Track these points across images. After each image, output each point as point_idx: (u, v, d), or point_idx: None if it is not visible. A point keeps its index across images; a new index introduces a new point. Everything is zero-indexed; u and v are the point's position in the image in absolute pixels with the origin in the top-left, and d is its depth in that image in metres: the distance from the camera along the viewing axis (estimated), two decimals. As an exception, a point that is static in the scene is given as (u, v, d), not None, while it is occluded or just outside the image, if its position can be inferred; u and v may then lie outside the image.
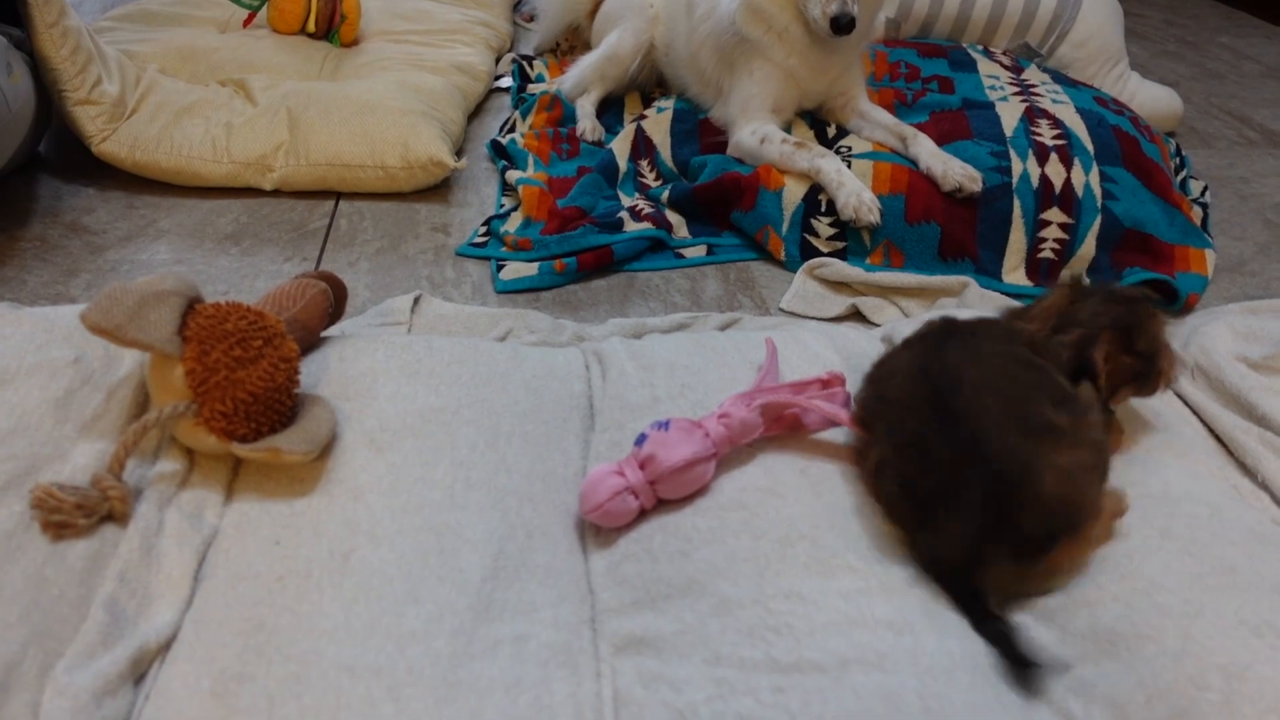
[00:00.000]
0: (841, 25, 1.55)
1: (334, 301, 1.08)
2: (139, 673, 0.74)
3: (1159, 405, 1.08)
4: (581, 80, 1.98)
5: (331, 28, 2.19)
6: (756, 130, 1.67)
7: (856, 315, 1.44)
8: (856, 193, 1.52)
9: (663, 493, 0.89)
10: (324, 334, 1.11)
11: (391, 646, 0.73)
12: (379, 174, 1.69)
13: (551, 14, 2.34)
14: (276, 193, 1.69)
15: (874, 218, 1.51)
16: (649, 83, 2.08)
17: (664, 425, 0.90)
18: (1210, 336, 1.16)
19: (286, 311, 1.00)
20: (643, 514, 0.89)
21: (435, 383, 1.01)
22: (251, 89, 1.82)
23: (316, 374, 1.00)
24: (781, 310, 1.46)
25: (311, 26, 2.15)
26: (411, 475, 0.89)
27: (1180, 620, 0.77)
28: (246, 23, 2.17)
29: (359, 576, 0.79)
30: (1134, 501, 0.91)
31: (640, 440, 0.90)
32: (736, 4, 1.66)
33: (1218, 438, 1.06)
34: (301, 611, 0.75)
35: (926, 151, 1.58)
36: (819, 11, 1.57)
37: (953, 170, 1.53)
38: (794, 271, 1.53)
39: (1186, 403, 1.11)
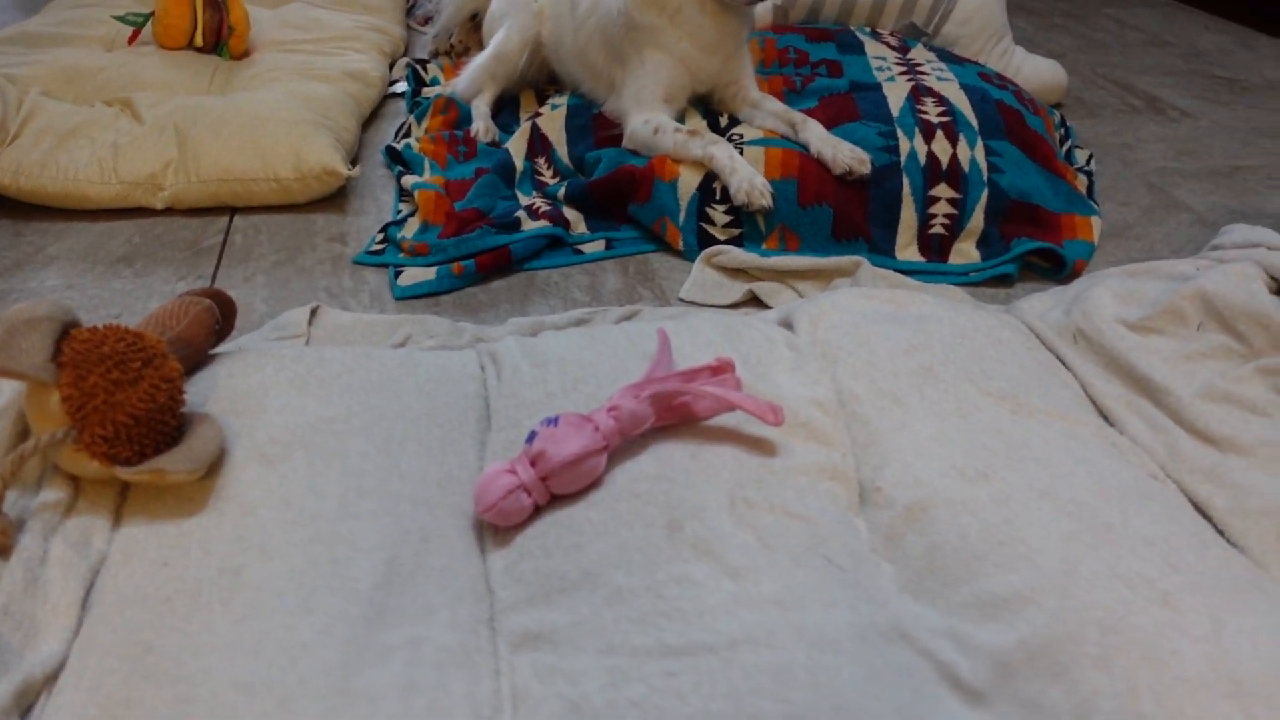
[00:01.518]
0: None
1: (220, 318, 1.07)
2: (25, 706, 0.72)
3: (1043, 371, 1.11)
4: (473, 82, 1.98)
5: (220, 40, 2.14)
6: (650, 120, 1.68)
7: (755, 301, 1.47)
8: (749, 178, 1.54)
9: (555, 488, 0.89)
10: (215, 351, 1.09)
11: (283, 660, 0.73)
12: (272, 186, 1.67)
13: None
14: (169, 211, 1.66)
15: (766, 201, 1.53)
16: (541, 80, 2.08)
17: (553, 421, 0.90)
18: (1092, 301, 1.20)
19: (169, 331, 0.98)
20: (539, 510, 0.90)
21: (326, 393, 1.00)
22: (138, 107, 1.78)
23: (204, 392, 0.99)
24: (681, 300, 1.47)
25: (199, 40, 2.10)
26: (302, 487, 0.88)
27: (1058, 580, 0.80)
28: (131, 40, 2.11)
29: (249, 592, 0.78)
30: (1017, 465, 0.94)
31: (531, 437, 0.90)
32: None
33: (1097, 398, 1.10)
34: (190, 631, 0.75)
35: (816, 136, 1.61)
36: None
37: (842, 153, 1.56)
38: (692, 261, 1.54)
39: (1067, 366, 1.15)
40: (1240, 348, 1.11)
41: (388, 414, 0.99)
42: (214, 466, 0.89)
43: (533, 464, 0.89)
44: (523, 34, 1.94)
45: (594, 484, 0.91)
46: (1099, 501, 0.89)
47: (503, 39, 1.95)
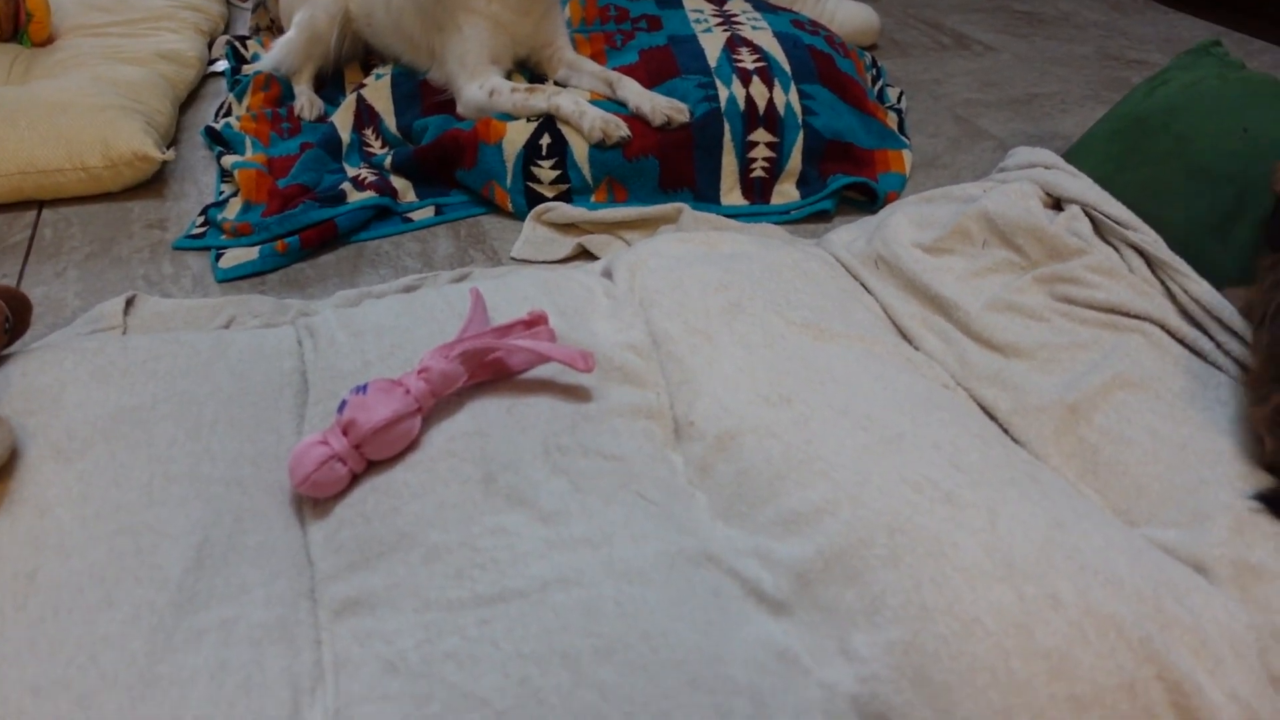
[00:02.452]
0: None
1: (10, 316, 1.02)
2: None
3: (846, 298, 1.16)
4: (288, 63, 1.91)
5: (18, 28, 2.03)
6: (484, 84, 1.67)
7: (587, 254, 1.48)
8: (599, 115, 1.57)
9: (370, 454, 0.89)
10: (9, 351, 1.04)
11: (82, 657, 0.71)
12: (81, 176, 1.59)
13: None
14: (-33, 210, 1.57)
15: (624, 131, 1.56)
16: (359, 53, 2.03)
17: (362, 389, 0.90)
18: (891, 228, 1.26)
19: (-52, 335, 0.94)
20: (356, 478, 0.90)
21: (129, 382, 0.97)
22: (-76, 104, 1.67)
23: (-5, 394, 0.95)
24: (513, 259, 1.47)
25: (-6, 29, 1.98)
26: (104, 480, 0.86)
27: (851, 490, 0.84)
28: (-84, 35, 1.98)
29: (45, 594, 0.76)
30: (819, 387, 0.98)
31: (341, 407, 0.90)
32: None
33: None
34: (-20, 640, 0.72)
35: (633, 93, 1.63)
36: None
37: (659, 106, 1.58)
38: (523, 220, 1.55)
39: (870, 291, 1.20)
40: (1020, 260, 1.19)
41: (198, 397, 0.97)
42: (4, 470, 0.86)
43: (345, 433, 0.88)
44: (329, 10, 1.88)
45: (411, 446, 0.92)
46: (892, 414, 0.94)
47: (309, 19, 1.88)
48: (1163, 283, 1.18)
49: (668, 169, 1.59)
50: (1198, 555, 0.83)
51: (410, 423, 0.91)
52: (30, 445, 0.89)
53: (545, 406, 0.96)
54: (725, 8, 1.93)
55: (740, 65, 1.67)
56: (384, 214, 1.56)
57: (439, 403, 0.95)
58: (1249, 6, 2.58)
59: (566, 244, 1.48)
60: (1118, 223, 1.20)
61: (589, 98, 1.66)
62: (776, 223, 1.56)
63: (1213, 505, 0.87)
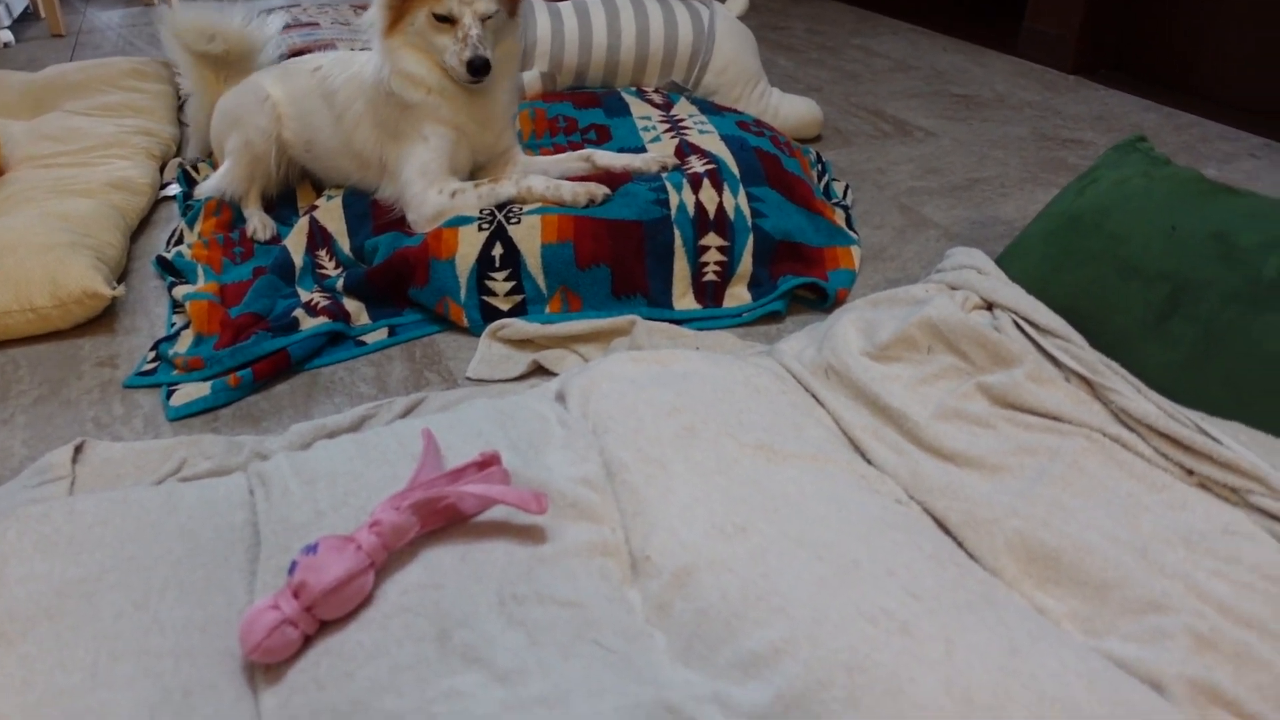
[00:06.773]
0: (477, 68, 1.61)
1: (-49, 487, 1.01)
2: None
3: (797, 413, 1.17)
4: (233, 188, 1.92)
5: (-32, 164, 2.04)
6: (444, 188, 1.68)
7: (542, 370, 1.48)
8: (578, 184, 1.66)
9: (322, 614, 0.88)
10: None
11: None
12: (29, 317, 1.58)
13: (195, 129, 2.28)
14: (-87, 359, 1.55)
15: (604, 190, 1.65)
16: (297, 180, 2.04)
17: (313, 549, 0.89)
18: (839, 337, 1.27)
19: (-115, 514, 0.92)
20: (309, 640, 0.88)
21: (75, 551, 0.95)
22: None
23: (-65, 574, 0.93)
24: (469, 379, 1.47)
25: (-57, 168, 1.99)
26: (47, 664, 0.84)
27: (809, 627, 0.84)
28: None
29: (-15, 794, 0.74)
30: (773, 514, 0.98)
31: (292, 568, 0.89)
32: (386, 74, 1.66)
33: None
34: None
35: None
36: (455, 60, 1.62)
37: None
38: (479, 336, 1.55)
39: (821, 402, 1.21)
40: (965, 365, 1.21)
41: (145, 563, 0.96)
42: (-56, 658, 0.83)
43: (296, 595, 0.87)
44: (263, 130, 1.89)
45: (364, 603, 0.90)
46: (848, 540, 0.94)
47: (244, 142, 1.89)
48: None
49: (620, 276, 1.61)
50: (1156, 674, 0.83)
51: (363, 580, 0.89)
52: (-30, 629, 0.87)
53: (500, 552, 0.95)
54: (672, 112, 1.97)
55: (690, 171, 1.70)
56: (337, 339, 1.56)
57: (389, 556, 0.94)
58: (1176, 83, 2.68)
59: (522, 361, 1.48)
60: (1048, 332, 1.22)
61: (540, 205, 1.69)
62: (729, 325, 1.58)
63: (1173, 625, 0.87)
